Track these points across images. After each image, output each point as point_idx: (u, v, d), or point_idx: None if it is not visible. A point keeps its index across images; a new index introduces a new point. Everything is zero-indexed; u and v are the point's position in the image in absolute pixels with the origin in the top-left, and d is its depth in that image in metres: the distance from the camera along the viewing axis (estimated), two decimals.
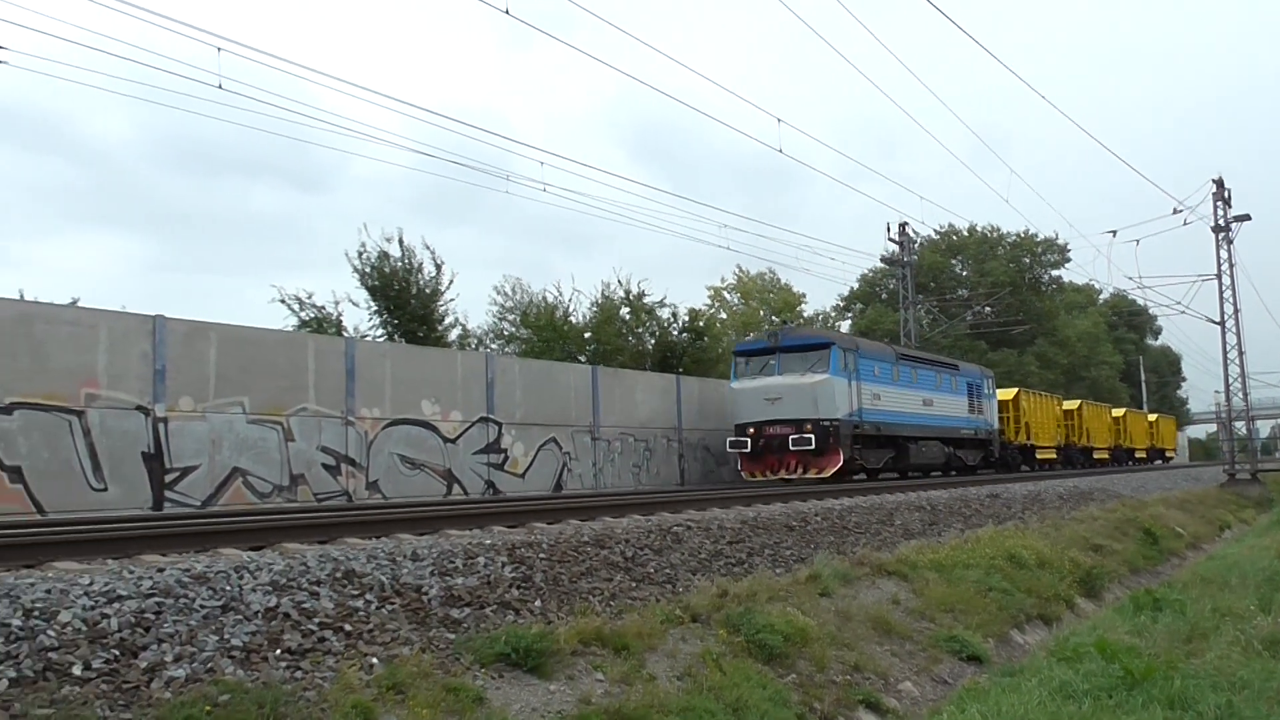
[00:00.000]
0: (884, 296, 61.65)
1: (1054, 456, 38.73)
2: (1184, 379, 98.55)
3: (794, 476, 22.37)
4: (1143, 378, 76.68)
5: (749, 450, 22.93)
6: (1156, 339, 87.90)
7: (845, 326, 60.26)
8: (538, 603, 7.99)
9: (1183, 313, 40.83)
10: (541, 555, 8.88)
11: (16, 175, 76.65)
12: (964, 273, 66.34)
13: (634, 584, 9.21)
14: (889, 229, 43.27)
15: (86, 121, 75.75)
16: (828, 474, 22.26)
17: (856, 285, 63.67)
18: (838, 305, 65.65)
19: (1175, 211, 38.40)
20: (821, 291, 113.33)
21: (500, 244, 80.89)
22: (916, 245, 47.95)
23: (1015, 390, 35.87)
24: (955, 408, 29.32)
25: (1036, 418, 36.84)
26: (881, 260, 47.02)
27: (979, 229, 65.69)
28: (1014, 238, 65.57)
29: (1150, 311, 68.03)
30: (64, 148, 74.68)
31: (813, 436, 21.94)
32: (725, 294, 55.00)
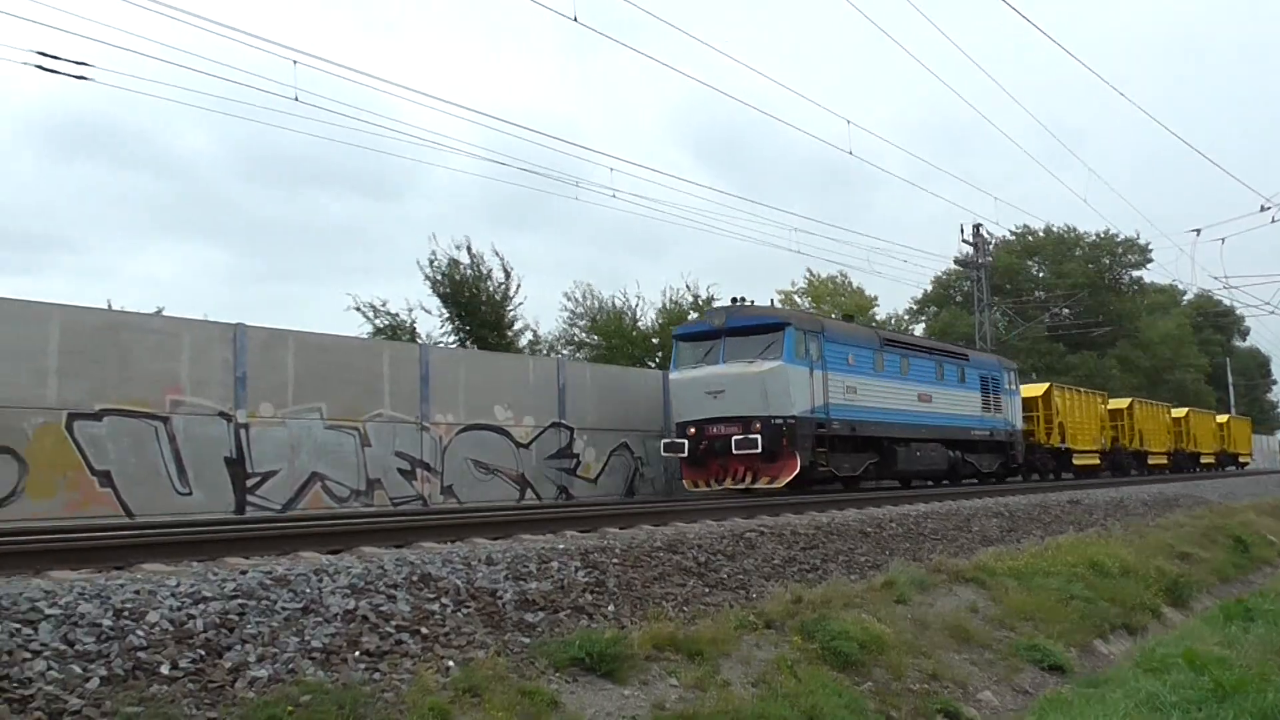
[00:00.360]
0: (958, 299, 60.73)
1: (1097, 462, 34.55)
2: (1275, 381, 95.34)
3: (741, 486, 18.87)
4: (1229, 380, 74.34)
5: (686, 454, 19.25)
6: (1244, 340, 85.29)
7: (919, 330, 59.41)
8: (611, 607, 7.99)
9: (1272, 313, 39.49)
10: (614, 560, 8.89)
11: (103, 188, 79.25)
12: (1040, 274, 65.10)
13: (707, 589, 9.18)
14: (962, 230, 42.69)
15: (169, 135, 78.19)
16: (780, 484, 18.51)
17: (930, 288, 62.85)
18: (911, 308, 64.85)
19: (1262, 209, 37.12)
20: (894, 294, 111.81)
21: (570, 250, 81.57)
22: (991, 246, 47.17)
23: (1046, 385, 32.19)
24: (962, 404, 25.14)
25: (1074, 418, 32.92)
26: (955, 262, 46.35)
27: (1055, 229, 64.38)
28: (1092, 238, 64.21)
29: (1237, 312, 66.02)
30: (148, 161, 77.16)
31: (759, 437, 18.15)
32: (796, 297, 54.64)
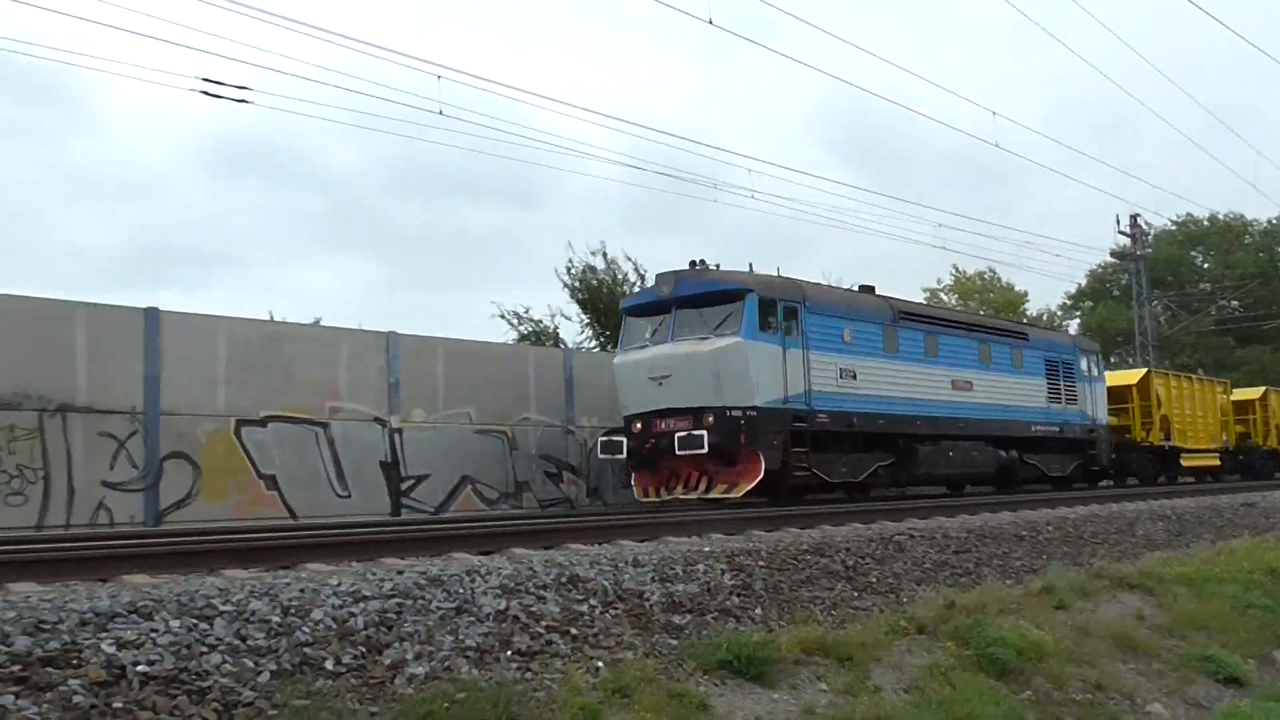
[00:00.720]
0: (1116, 293, 58.02)
1: (1216, 464, 29.27)
2: None
3: (694, 495, 15.13)
4: None
5: (629, 455, 15.43)
6: None
7: (1073, 326, 57.02)
8: (758, 610, 7.95)
9: None
10: (761, 563, 8.83)
11: (263, 205, 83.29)
12: (1205, 265, 61.58)
13: (855, 593, 9.03)
14: (1118, 221, 40.86)
15: (322, 152, 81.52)
16: (739, 493, 14.71)
17: (1084, 282, 60.21)
18: (1064, 303, 62.30)
19: None
20: (1046, 290, 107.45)
21: (710, 252, 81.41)
22: (1149, 237, 44.96)
23: (1142, 371, 27.42)
24: (1020, 393, 20.56)
25: (1182, 410, 27.49)
26: (1111, 254, 44.35)
27: (1220, 216, 60.75)
28: (1263, 224, 60.26)
29: None
30: (303, 178, 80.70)
31: (706, 434, 14.25)
32: (942, 295, 53.24)
